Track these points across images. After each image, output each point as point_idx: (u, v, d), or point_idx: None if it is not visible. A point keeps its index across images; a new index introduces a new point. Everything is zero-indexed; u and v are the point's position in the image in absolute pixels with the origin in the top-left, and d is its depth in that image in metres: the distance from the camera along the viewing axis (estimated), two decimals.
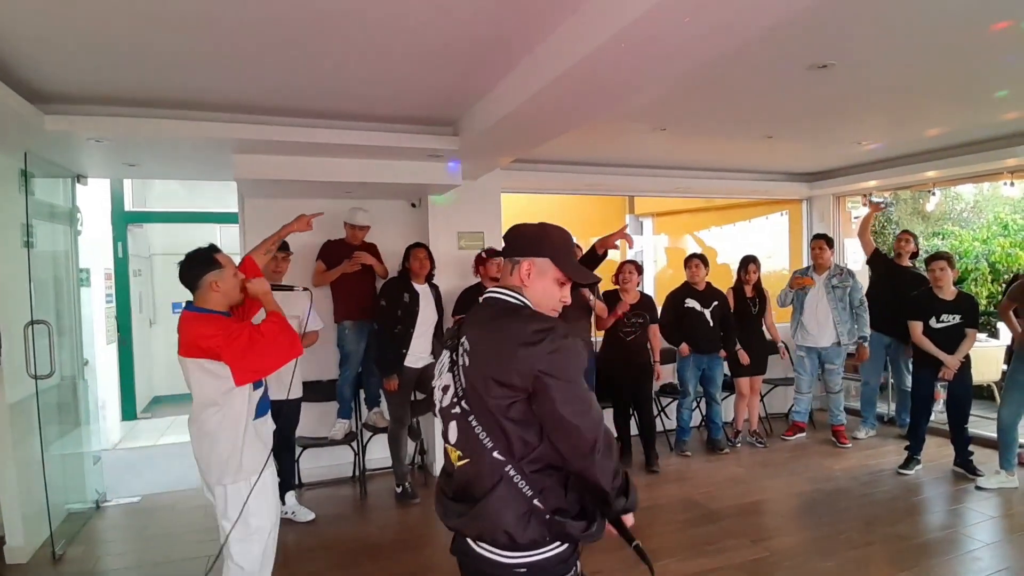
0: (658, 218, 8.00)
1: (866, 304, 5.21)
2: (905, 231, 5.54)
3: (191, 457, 2.43)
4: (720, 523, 3.75)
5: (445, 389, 1.47)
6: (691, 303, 5.02)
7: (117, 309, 6.53)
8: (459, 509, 1.42)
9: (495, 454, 1.36)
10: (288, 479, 3.97)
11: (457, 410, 1.42)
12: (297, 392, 3.94)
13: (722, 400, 5.28)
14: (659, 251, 8.18)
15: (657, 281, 7.68)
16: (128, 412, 6.90)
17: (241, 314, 2.56)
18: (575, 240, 5.13)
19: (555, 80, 2.49)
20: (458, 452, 1.44)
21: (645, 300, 4.94)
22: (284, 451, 3.93)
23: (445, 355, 1.50)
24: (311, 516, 4.00)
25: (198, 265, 2.34)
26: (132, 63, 2.72)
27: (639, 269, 4.96)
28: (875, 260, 5.44)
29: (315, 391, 4.56)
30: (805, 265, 5.66)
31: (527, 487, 1.35)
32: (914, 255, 5.33)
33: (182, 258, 2.43)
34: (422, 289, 4.23)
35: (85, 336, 4.50)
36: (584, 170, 5.53)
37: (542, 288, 1.49)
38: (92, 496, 4.24)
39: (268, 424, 2.48)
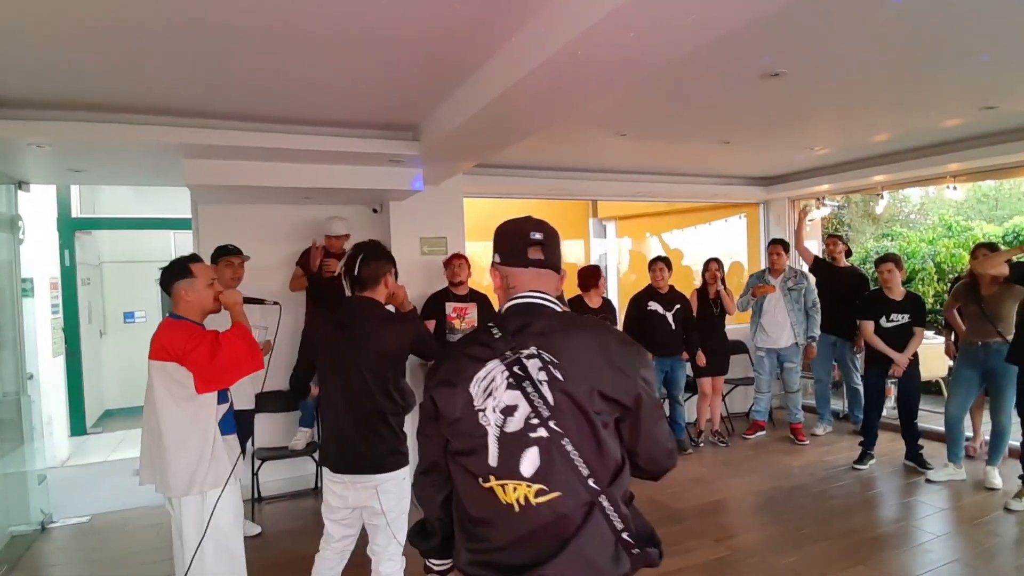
0: (621, 222, 8.09)
1: (818, 305, 5.42)
2: (831, 235, 5.82)
3: None
4: (683, 523, 3.79)
5: (509, 411, 1.22)
6: (654, 306, 5.08)
7: (64, 320, 6.25)
8: (531, 556, 1.19)
9: (591, 482, 1.19)
10: None
11: (541, 433, 1.20)
12: (249, 403, 3.79)
13: (685, 401, 5.36)
14: (623, 254, 8.27)
15: (620, 285, 7.75)
16: (77, 427, 6.60)
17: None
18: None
19: (514, 85, 2.49)
20: (536, 487, 1.19)
21: (606, 304, 4.98)
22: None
23: (492, 370, 1.25)
24: (257, 530, 3.91)
25: (170, 273, 2.37)
26: (75, 66, 2.60)
27: (600, 274, 5.00)
28: (816, 267, 5.65)
29: (274, 402, 4.45)
30: (761, 268, 5.81)
31: (617, 518, 1.20)
32: (848, 253, 5.56)
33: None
34: None
35: (29, 349, 4.30)
36: (547, 175, 5.55)
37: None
38: (37, 517, 4.04)
39: (235, 443, 2.45)
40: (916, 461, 4.56)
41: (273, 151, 3.57)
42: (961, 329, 4.50)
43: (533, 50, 2.28)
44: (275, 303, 2.87)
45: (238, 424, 3.53)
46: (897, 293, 4.53)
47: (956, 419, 4.31)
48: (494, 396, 1.24)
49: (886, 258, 4.64)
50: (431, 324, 4.32)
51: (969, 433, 4.68)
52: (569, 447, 1.19)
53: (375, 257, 2.39)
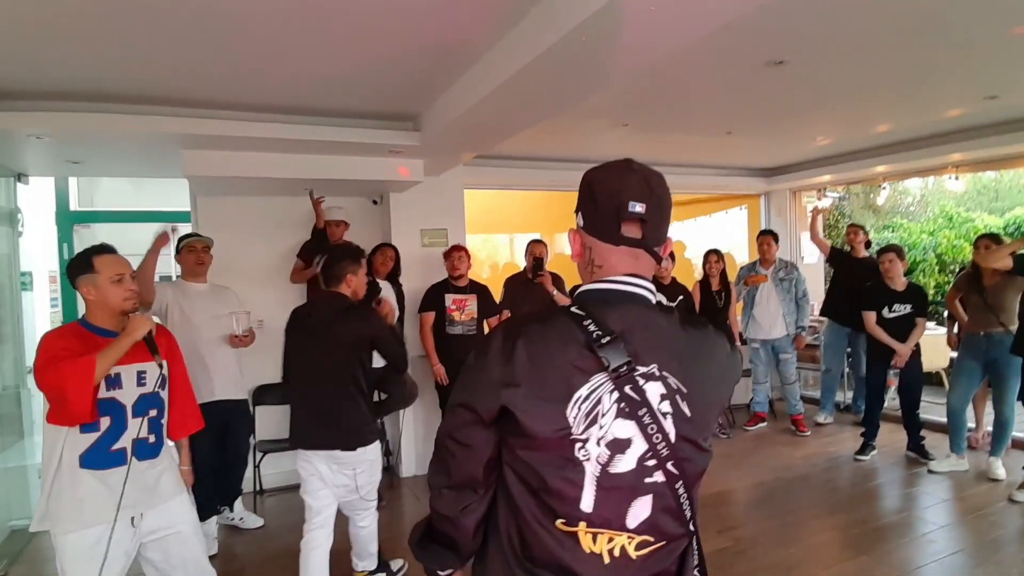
0: None
1: (809, 296, 5.46)
2: (852, 224, 5.75)
3: None
4: None
5: (619, 446, 0.95)
6: (657, 297, 5.05)
7: (64, 314, 6.23)
8: None
9: (691, 525, 1.01)
10: (237, 488, 3.87)
11: (658, 478, 0.96)
12: (240, 393, 3.73)
13: None
14: None
15: None
16: None
17: (168, 346, 2.20)
18: (539, 237, 5.16)
19: (517, 74, 2.46)
20: (640, 538, 0.97)
21: None
22: (236, 462, 3.81)
23: (597, 388, 0.95)
24: (260, 522, 3.92)
25: (72, 268, 2.05)
26: (73, 55, 2.58)
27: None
28: (833, 257, 5.61)
29: (274, 394, 4.45)
30: (751, 261, 5.81)
31: (697, 551, 1.04)
32: (867, 244, 5.52)
33: None
34: (383, 283, 4.20)
35: (28, 343, 4.28)
36: (547, 166, 5.52)
37: None
38: None
39: (105, 482, 1.95)
40: (918, 452, 4.56)
41: (272, 141, 3.54)
42: (963, 319, 4.49)
43: (537, 38, 2.25)
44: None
45: (221, 416, 3.48)
46: (899, 284, 4.52)
47: (958, 410, 4.30)
48: (599, 424, 0.94)
49: (887, 249, 4.63)
50: (431, 316, 4.30)
51: (971, 424, 4.68)
52: (682, 490, 0.97)
53: (340, 258, 2.66)
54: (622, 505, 0.96)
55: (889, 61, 3.18)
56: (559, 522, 0.96)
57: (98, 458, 1.95)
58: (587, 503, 0.95)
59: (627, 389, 0.94)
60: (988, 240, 4.23)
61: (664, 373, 0.97)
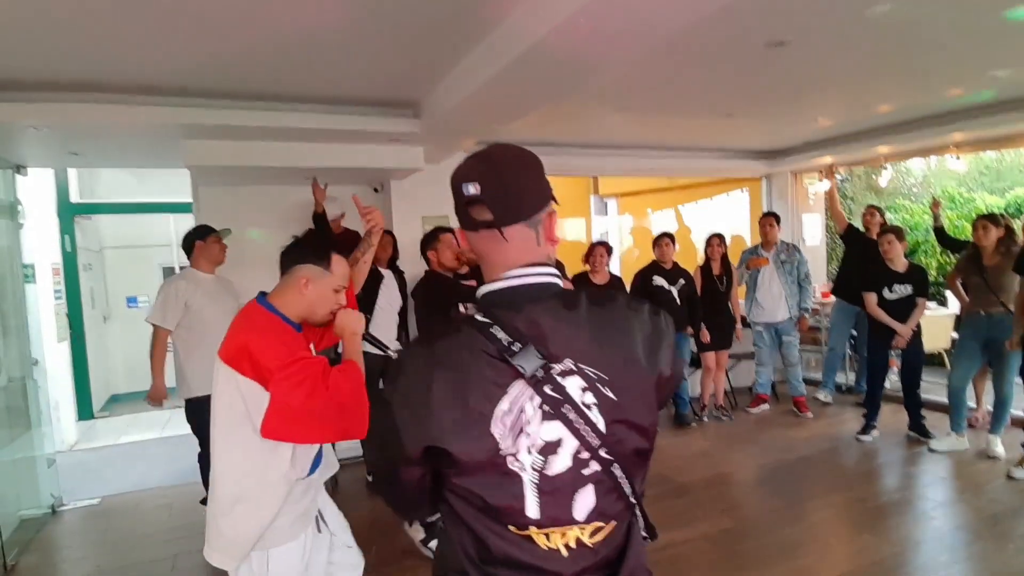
0: (622, 198, 8.05)
1: (811, 278, 5.48)
2: (871, 205, 5.75)
3: (152, 456, 2.29)
4: (689, 496, 3.83)
5: (550, 448, 0.94)
6: (659, 281, 5.07)
7: (67, 305, 6.26)
8: None
9: (632, 498, 1.00)
10: None
11: (594, 469, 0.96)
12: None
13: (689, 376, 5.38)
14: (624, 231, 8.25)
15: (623, 262, 7.75)
16: (84, 412, 6.66)
17: (308, 336, 1.89)
18: None
19: (517, 58, 2.45)
20: (592, 526, 0.97)
21: (615, 281, 4.96)
22: None
23: (518, 399, 0.94)
24: None
25: (303, 253, 1.76)
26: (71, 46, 2.57)
27: (609, 251, 4.97)
28: (848, 235, 5.60)
29: None
30: (753, 244, 5.80)
31: (641, 515, 1.04)
32: (882, 227, 5.52)
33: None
34: (385, 273, 4.20)
35: (33, 335, 4.31)
36: (548, 151, 5.49)
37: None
38: (47, 501, 4.08)
39: (318, 480, 1.87)
40: (919, 431, 4.59)
41: (272, 130, 3.53)
42: (964, 300, 4.50)
43: (536, 22, 2.24)
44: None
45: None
46: (899, 265, 4.52)
47: (959, 389, 4.33)
48: (527, 432, 0.93)
49: (886, 230, 4.63)
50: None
51: (972, 403, 4.71)
52: (619, 472, 0.96)
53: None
54: (566, 502, 0.95)
55: (890, 41, 3.16)
56: (511, 527, 0.96)
57: (318, 461, 1.84)
58: (532, 510, 0.95)
59: (547, 390, 0.93)
60: (987, 220, 4.23)
61: (580, 366, 0.95)
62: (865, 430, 4.71)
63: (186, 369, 3.45)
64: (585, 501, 0.96)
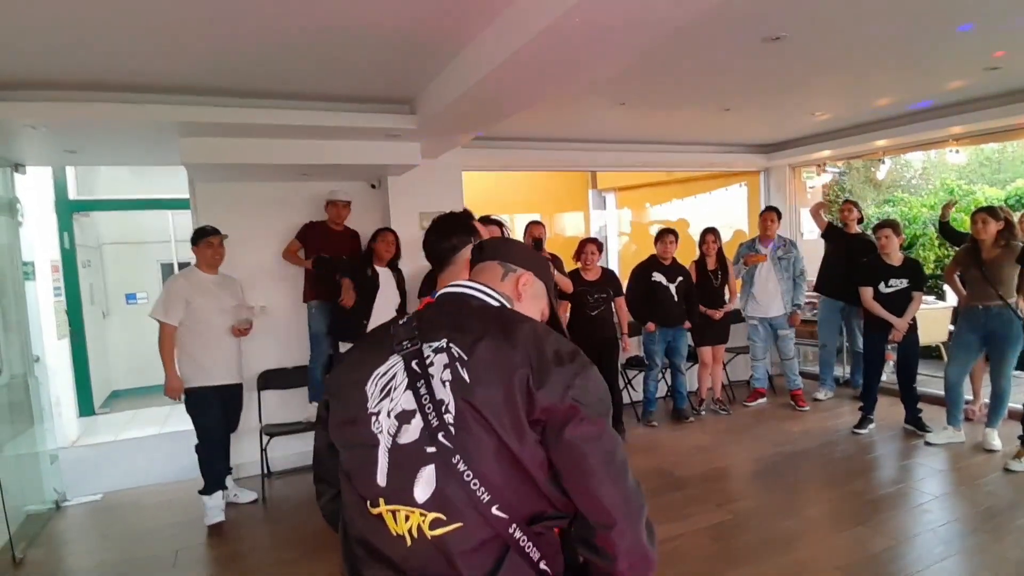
0: (620, 193, 8.04)
1: (806, 274, 5.49)
2: (847, 200, 5.77)
3: (153, 452, 2.34)
4: (686, 490, 3.86)
5: (405, 417, 0.99)
6: (658, 277, 5.08)
7: (67, 302, 6.28)
8: None
9: (494, 510, 0.95)
10: (227, 465, 4.01)
11: (432, 449, 0.97)
12: (239, 378, 3.91)
13: (686, 370, 5.40)
14: (623, 225, 8.25)
15: (620, 256, 7.75)
16: (85, 408, 6.69)
17: None
18: (538, 218, 5.16)
19: (513, 54, 2.45)
20: (431, 515, 0.96)
21: (607, 275, 4.97)
22: (227, 435, 3.96)
23: (394, 365, 1.04)
24: (253, 496, 4.06)
25: (459, 236, 1.53)
26: (68, 44, 2.57)
27: (599, 247, 4.98)
28: (829, 233, 5.63)
29: (280, 379, 4.51)
30: (751, 238, 5.81)
31: (534, 550, 0.98)
32: (860, 221, 5.54)
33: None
34: (383, 271, 4.22)
35: (33, 332, 4.32)
36: (545, 146, 5.50)
37: (531, 314, 1.17)
38: (51, 496, 4.11)
39: None
40: (915, 424, 4.62)
41: (269, 127, 3.54)
42: (962, 293, 4.51)
43: (532, 17, 2.24)
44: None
45: (223, 399, 3.70)
46: (895, 258, 4.53)
47: (955, 382, 4.34)
48: (391, 397, 1.01)
49: (883, 224, 4.64)
50: (430, 301, 4.31)
51: (969, 396, 4.72)
52: (461, 466, 0.94)
53: None
54: (408, 474, 0.98)
55: (888, 34, 3.16)
56: (367, 505, 1.01)
57: None
58: (381, 475, 1.00)
59: (413, 363, 1.01)
60: (985, 213, 4.24)
61: (451, 345, 1.02)
62: (862, 423, 4.73)
63: (182, 361, 3.64)
64: (426, 481, 0.97)
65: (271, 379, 4.50)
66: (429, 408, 0.97)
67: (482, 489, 0.95)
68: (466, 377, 0.98)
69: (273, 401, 4.50)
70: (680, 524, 3.35)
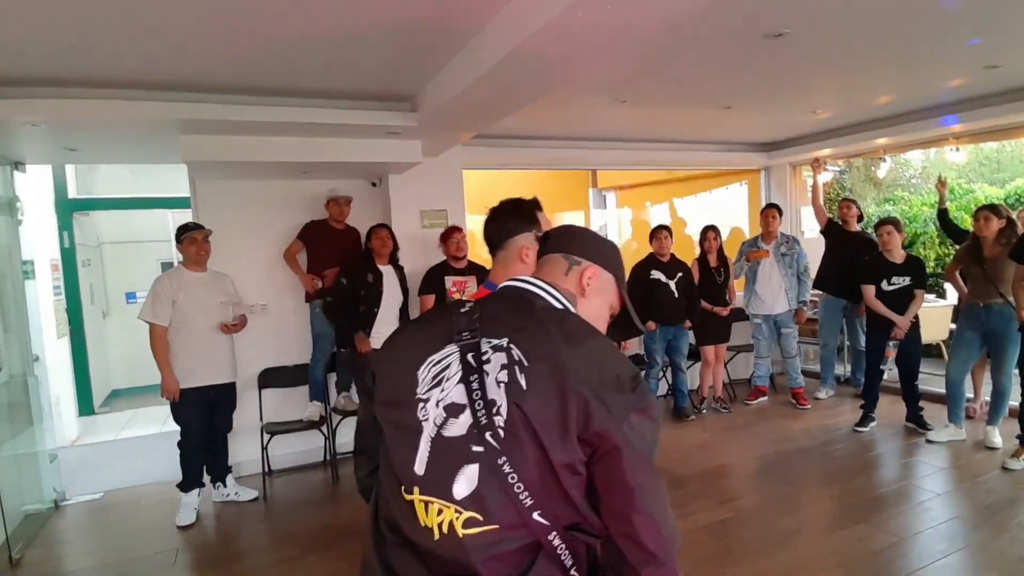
0: (621, 191, 8.03)
1: (809, 271, 5.47)
2: (845, 198, 5.76)
3: (152, 451, 2.34)
4: (687, 487, 3.85)
5: (454, 410, 0.97)
6: (656, 275, 5.08)
7: (67, 301, 6.26)
8: None
9: (536, 515, 0.93)
10: (225, 464, 4.03)
11: (479, 448, 0.94)
12: (230, 377, 3.90)
13: (687, 368, 5.39)
14: (623, 224, 8.23)
15: (621, 254, 7.74)
16: (85, 407, 6.66)
17: None
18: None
19: (514, 51, 2.45)
20: (466, 514, 0.94)
21: None
22: (222, 440, 3.98)
23: (450, 355, 1.02)
24: (254, 494, 4.04)
25: (516, 222, 1.52)
26: (67, 41, 2.56)
27: None
28: (829, 229, 5.62)
29: (281, 377, 4.51)
30: (753, 236, 5.81)
31: (568, 556, 0.97)
32: (860, 219, 5.53)
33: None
34: (386, 270, 4.21)
35: (33, 331, 4.31)
36: (546, 144, 5.50)
37: (597, 310, 1.15)
38: (50, 495, 4.10)
39: None
40: (917, 422, 4.61)
41: (270, 125, 3.53)
42: (963, 292, 4.51)
43: (533, 13, 2.23)
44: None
45: (208, 399, 3.71)
46: (897, 256, 4.53)
47: (957, 380, 4.34)
48: (442, 387, 0.99)
49: (885, 221, 4.64)
50: (431, 299, 4.31)
51: (970, 394, 4.72)
52: (507, 468, 0.93)
53: None
54: (449, 469, 0.96)
55: (889, 31, 3.15)
56: (402, 489, 0.99)
57: None
58: (419, 463, 0.98)
59: (469, 356, 0.99)
60: (987, 211, 4.23)
61: (511, 346, 0.99)
62: (863, 421, 4.73)
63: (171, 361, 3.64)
64: (467, 479, 0.95)
65: (272, 377, 4.49)
66: (480, 406, 0.95)
67: (526, 493, 0.93)
68: (523, 383, 0.95)
69: (274, 399, 4.49)
70: (681, 522, 3.34)
